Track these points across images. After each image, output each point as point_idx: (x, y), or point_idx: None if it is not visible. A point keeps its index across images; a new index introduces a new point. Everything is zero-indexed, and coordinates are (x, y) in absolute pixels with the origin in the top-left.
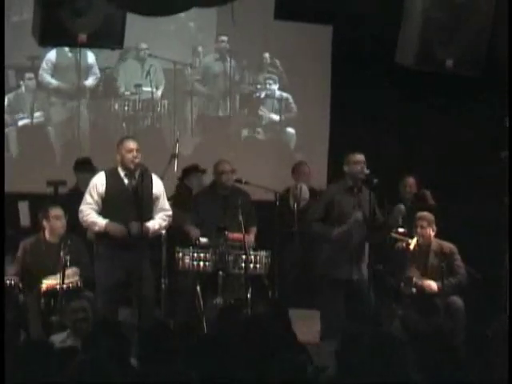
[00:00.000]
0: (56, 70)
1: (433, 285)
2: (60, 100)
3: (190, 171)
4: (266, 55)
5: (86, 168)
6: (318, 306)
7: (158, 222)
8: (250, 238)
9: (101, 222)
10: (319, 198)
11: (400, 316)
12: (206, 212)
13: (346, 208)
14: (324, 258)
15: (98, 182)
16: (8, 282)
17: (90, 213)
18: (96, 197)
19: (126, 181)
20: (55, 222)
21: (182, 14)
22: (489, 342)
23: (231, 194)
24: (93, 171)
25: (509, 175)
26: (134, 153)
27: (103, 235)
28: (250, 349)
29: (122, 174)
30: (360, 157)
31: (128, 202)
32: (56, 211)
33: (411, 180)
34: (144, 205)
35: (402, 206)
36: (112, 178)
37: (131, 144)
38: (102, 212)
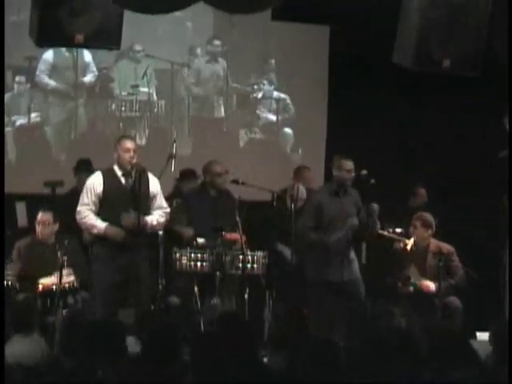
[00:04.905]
0: (53, 70)
1: (431, 285)
2: (57, 100)
3: (185, 176)
4: (264, 56)
5: (87, 169)
6: (307, 309)
7: (155, 217)
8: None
9: (100, 225)
10: (307, 205)
11: (397, 316)
12: (197, 212)
13: (332, 212)
14: (314, 261)
15: (95, 182)
16: (5, 282)
17: (87, 215)
18: (93, 197)
19: (123, 180)
20: (43, 228)
21: (179, 14)
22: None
23: (220, 196)
24: (92, 172)
25: (509, 175)
26: (131, 153)
27: (101, 237)
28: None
29: (118, 173)
30: (350, 164)
31: (125, 201)
32: (44, 216)
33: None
34: (141, 204)
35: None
36: (109, 178)
37: (128, 143)
38: (100, 212)
